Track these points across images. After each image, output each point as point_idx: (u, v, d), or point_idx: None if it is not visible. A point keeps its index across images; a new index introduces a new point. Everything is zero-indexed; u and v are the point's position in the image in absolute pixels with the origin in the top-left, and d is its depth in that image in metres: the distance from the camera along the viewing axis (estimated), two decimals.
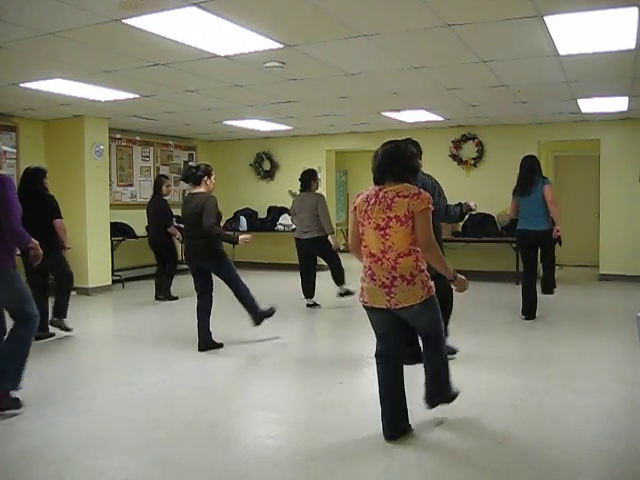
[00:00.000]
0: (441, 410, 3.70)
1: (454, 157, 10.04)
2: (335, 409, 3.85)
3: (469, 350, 5.21)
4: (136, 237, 9.53)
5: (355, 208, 3.30)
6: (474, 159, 9.90)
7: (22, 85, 6.29)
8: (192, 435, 3.44)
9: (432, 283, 3.23)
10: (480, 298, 7.80)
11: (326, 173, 11.22)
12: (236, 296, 5.46)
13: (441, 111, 8.45)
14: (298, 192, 7.48)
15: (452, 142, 10.03)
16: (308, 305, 7.39)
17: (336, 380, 4.47)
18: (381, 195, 3.17)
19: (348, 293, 7.28)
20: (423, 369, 3.50)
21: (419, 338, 3.56)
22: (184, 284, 7.86)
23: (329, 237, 7.23)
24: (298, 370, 4.82)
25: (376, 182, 3.26)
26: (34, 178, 5.69)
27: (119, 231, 9.35)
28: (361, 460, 3.13)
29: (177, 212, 7.29)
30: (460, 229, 9.68)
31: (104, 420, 3.70)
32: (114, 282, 9.05)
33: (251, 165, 11.65)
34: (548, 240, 6.35)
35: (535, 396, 4.08)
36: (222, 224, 11.73)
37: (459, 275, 3.32)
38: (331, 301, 7.60)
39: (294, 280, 9.92)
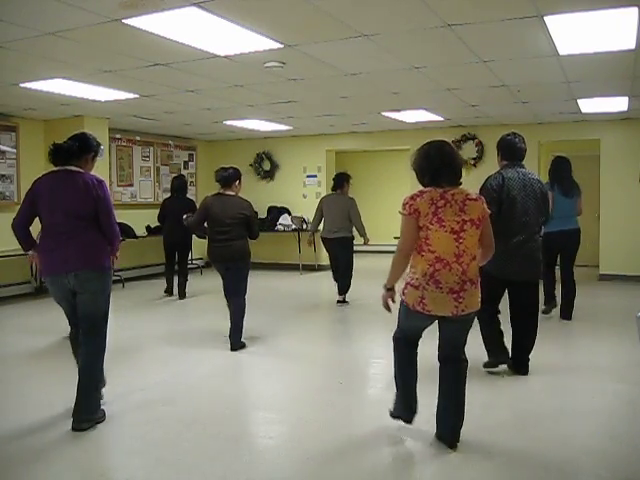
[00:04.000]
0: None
1: None
2: (335, 409, 3.84)
3: (468, 350, 5.20)
4: (136, 237, 9.53)
5: (415, 211, 2.99)
6: (474, 159, 9.89)
7: (22, 85, 6.29)
8: (192, 435, 3.44)
9: None
10: None
11: (326, 173, 11.21)
12: (235, 307, 5.34)
13: (441, 111, 8.45)
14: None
15: (452, 142, 9.98)
16: (339, 302, 7.52)
17: (336, 380, 4.47)
18: (449, 197, 3.01)
19: (345, 302, 7.47)
20: (442, 400, 3.32)
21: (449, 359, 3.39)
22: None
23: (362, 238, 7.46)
24: (298, 370, 4.81)
25: (433, 183, 3.05)
26: None
27: (119, 231, 9.33)
28: (362, 460, 3.13)
29: None
30: None
31: (104, 420, 3.70)
32: (114, 282, 8.96)
33: (251, 165, 11.65)
34: (579, 239, 6.59)
35: (535, 396, 4.08)
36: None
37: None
38: (334, 302, 7.59)
39: (294, 280, 9.96)
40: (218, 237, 5.30)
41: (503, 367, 4.53)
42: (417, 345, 3.38)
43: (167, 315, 7.20)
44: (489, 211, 3.15)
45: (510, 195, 4.26)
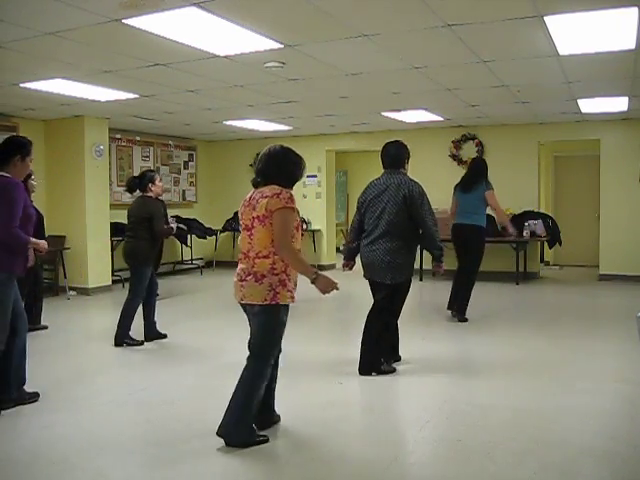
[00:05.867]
0: (442, 411, 3.70)
1: (454, 157, 10.03)
2: (335, 409, 3.84)
3: (468, 350, 5.22)
4: None
5: (239, 214, 3.38)
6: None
7: (22, 85, 6.29)
8: (192, 435, 3.43)
9: (285, 293, 3.16)
10: (479, 298, 7.80)
11: (326, 173, 11.23)
12: (124, 306, 5.51)
13: (441, 111, 8.45)
14: None
15: (452, 142, 10.03)
16: None
17: (336, 380, 4.46)
18: (252, 196, 3.25)
19: None
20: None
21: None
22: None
23: None
24: (298, 370, 4.81)
25: (254, 185, 3.32)
26: None
27: (119, 231, 9.33)
28: (361, 460, 3.13)
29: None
30: None
31: (104, 420, 3.70)
32: (114, 282, 9.04)
33: (251, 165, 11.63)
34: (475, 236, 6.43)
35: (535, 396, 4.08)
36: (222, 224, 11.80)
37: (321, 274, 3.20)
38: (329, 301, 7.58)
39: None
40: (123, 236, 5.70)
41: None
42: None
43: (167, 315, 7.20)
44: (283, 206, 3.10)
45: (367, 200, 4.60)
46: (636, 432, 3.46)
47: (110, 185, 9.38)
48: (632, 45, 4.87)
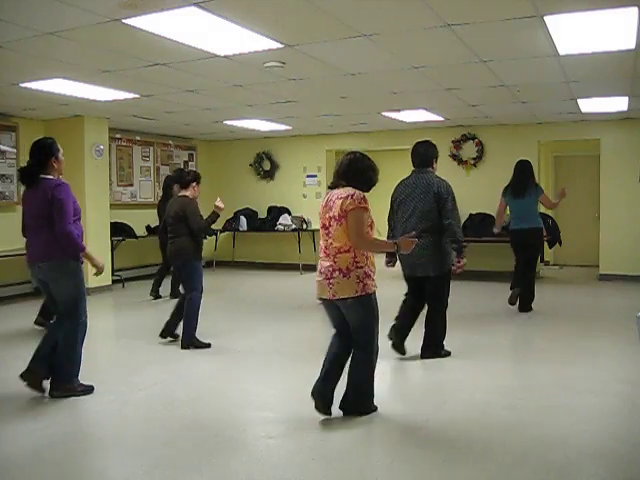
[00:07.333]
0: (441, 410, 3.70)
1: (454, 157, 10.04)
2: (335, 408, 3.84)
3: (468, 350, 5.22)
4: (136, 237, 9.54)
5: (319, 214, 3.68)
6: (474, 159, 9.90)
7: (22, 85, 6.29)
8: (192, 435, 3.44)
9: (371, 282, 3.48)
10: (479, 298, 7.81)
11: (326, 173, 11.21)
12: (186, 304, 5.51)
13: (441, 111, 8.45)
14: None
15: (452, 142, 10.04)
16: None
17: None
18: (328, 198, 3.59)
19: None
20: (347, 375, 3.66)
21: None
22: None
23: None
24: (298, 369, 4.81)
25: (331, 187, 3.64)
26: None
27: (119, 231, 9.36)
28: (361, 460, 3.13)
29: None
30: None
31: (104, 420, 3.71)
32: (114, 282, 9.05)
33: (251, 165, 11.65)
34: (538, 237, 6.84)
35: (535, 396, 4.08)
36: (222, 224, 11.82)
37: (399, 240, 3.65)
38: None
39: (293, 280, 9.96)
40: (167, 235, 5.71)
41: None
42: (340, 338, 3.68)
43: (166, 315, 7.19)
44: (353, 206, 3.40)
45: (398, 199, 4.90)
46: (637, 432, 3.46)
47: (110, 185, 9.39)
48: (632, 45, 4.87)
